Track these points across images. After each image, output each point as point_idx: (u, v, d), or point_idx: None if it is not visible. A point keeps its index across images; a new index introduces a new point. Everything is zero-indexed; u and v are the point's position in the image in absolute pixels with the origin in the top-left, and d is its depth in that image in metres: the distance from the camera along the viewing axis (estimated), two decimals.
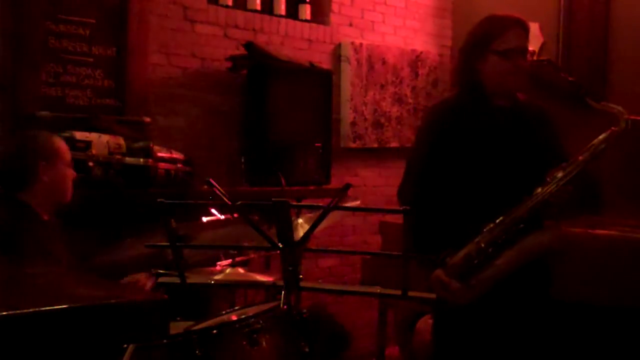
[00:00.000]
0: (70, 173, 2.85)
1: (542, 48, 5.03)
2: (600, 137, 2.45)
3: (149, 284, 2.81)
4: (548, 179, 2.44)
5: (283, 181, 3.15)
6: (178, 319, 2.50)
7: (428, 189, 2.56)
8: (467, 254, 2.45)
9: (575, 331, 3.29)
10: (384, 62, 5.15)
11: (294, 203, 2.98)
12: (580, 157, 2.44)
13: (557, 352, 2.59)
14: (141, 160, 3.48)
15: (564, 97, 2.68)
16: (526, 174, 2.49)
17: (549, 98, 2.72)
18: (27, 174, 2.73)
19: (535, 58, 4.80)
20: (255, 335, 2.14)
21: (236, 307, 2.88)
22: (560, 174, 2.43)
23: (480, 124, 2.55)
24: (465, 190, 2.53)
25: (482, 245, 2.44)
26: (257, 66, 4.24)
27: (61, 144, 2.85)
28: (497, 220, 2.44)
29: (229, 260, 3.22)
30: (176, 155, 3.72)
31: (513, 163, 2.52)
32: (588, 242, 3.39)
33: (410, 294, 2.43)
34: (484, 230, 2.45)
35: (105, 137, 3.43)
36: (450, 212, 2.52)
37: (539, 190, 2.44)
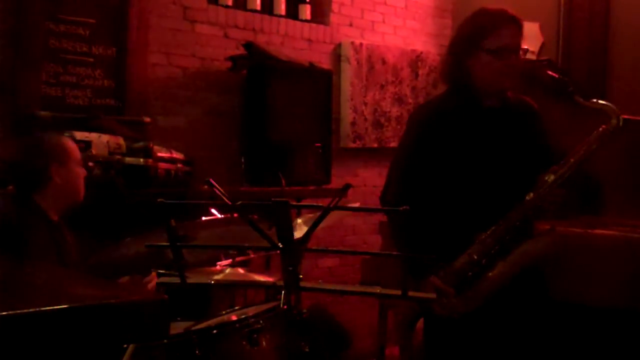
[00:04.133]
0: (82, 172, 2.87)
1: (542, 48, 5.03)
2: (591, 136, 2.38)
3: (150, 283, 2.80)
4: (539, 184, 2.38)
5: (283, 181, 3.16)
6: (178, 319, 2.50)
7: (413, 194, 2.47)
8: (461, 267, 2.39)
9: (575, 332, 3.29)
10: (384, 62, 5.15)
11: (294, 203, 2.98)
12: (572, 159, 2.38)
13: (556, 353, 2.57)
14: (141, 160, 3.48)
15: (559, 96, 2.63)
16: (516, 176, 2.43)
17: (543, 97, 2.67)
18: (39, 176, 2.74)
19: (535, 58, 4.81)
20: (255, 335, 2.15)
21: (236, 307, 2.88)
22: (551, 178, 2.37)
23: (469, 126, 2.46)
24: (453, 195, 2.45)
25: (475, 257, 2.38)
26: (257, 66, 4.25)
27: (70, 144, 2.87)
28: (489, 231, 2.38)
29: (229, 260, 3.22)
30: (176, 155, 3.72)
31: (503, 166, 2.45)
32: (588, 242, 3.39)
33: (410, 294, 2.42)
34: (476, 241, 2.39)
35: (105, 137, 3.43)
36: (438, 218, 2.45)
37: (531, 195, 2.37)
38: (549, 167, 2.40)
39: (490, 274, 2.39)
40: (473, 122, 2.48)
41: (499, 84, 2.45)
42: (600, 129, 2.38)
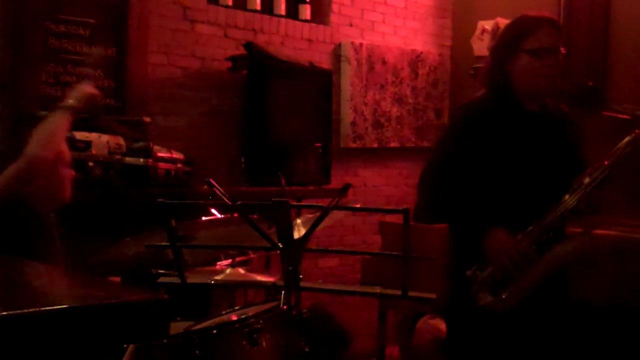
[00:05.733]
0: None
1: None
2: (626, 139, 2.42)
3: None
4: (575, 186, 2.42)
5: (283, 181, 3.15)
6: (178, 319, 2.50)
7: (451, 190, 2.51)
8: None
9: (575, 331, 3.29)
10: (384, 62, 5.15)
11: (294, 203, 2.98)
12: (606, 162, 2.42)
13: (556, 352, 2.57)
14: (141, 160, 3.48)
15: (571, 101, 2.65)
16: (553, 180, 2.46)
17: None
18: None
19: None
20: (255, 335, 2.14)
21: (236, 307, 2.88)
22: (587, 180, 2.41)
23: (508, 127, 2.50)
24: (490, 195, 2.49)
25: None
26: (257, 66, 4.25)
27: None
28: (527, 230, 2.42)
29: (229, 260, 3.22)
30: (176, 155, 3.72)
31: (541, 169, 2.49)
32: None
33: (410, 294, 2.42)
34: None
35: (105, 137, 3.43)
36: (474, 218, 2.48)
37: (567, 197, 2.42)
38: (584, 172, 2.44)
39: (528, 272, 2.41)
40: (512, 124, 2.51)
41: (539, 84, 2.49)
42: (634, 133, 2.41)
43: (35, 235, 2.69)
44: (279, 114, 4.29)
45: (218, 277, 3.02)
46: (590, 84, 2.53)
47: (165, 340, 1.93)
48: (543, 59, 2.45)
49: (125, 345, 1.59)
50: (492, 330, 2.49)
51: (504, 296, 2.42)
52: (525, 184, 2.48)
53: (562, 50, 2.51)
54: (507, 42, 2.52)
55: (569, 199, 2.42)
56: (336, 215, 2.59)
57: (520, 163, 2.49)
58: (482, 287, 2.44)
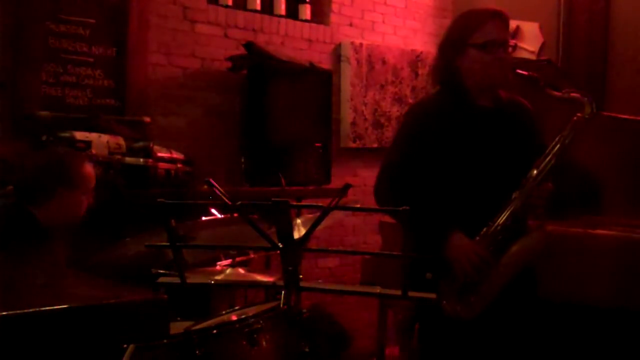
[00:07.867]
0: (87, 201, 2.84)
1: (542, 48, 5.03)
2: (567, 126, 2.39)
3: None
4: (524, 180, 2.38)
5: (283, 181, 3.15)
6: (178, 319, 2.50)
7: (406, 191, 2.45)
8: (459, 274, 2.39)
9: (575, 332, 3.29)
10: (384, 62, 5.15)
11: (294, 203, 2.98)
12: (552, 151, 2.38)
13: (555, 354, 2.57)
14: (141, 160, 3.48)
15: (534, 93, 2.61)
16: (511, 177, 2.41)
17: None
18: (43, 194, 2.74)
19: (535, 58, 4.81)
20: (255, 335, 2.15)
21: (236, 307, 2.88)
22: (534, 173, 2.37)
23: (462, 126, 2.44)
24: (448, 194, 2.44)
25: None
26: (257, 66, 4.25)
27: (88, 173, 2.83)
28: (482, 233, 2.38)
29: (229, 260, 3.22)
30: (176, 155, 3.72)
31: (497, 166, 2.43)
32: (588, 242, 3.39)
33: (410, 294, 2.42)
34: None
35: (105, 137, 3.43)
36: (430, 218, 2.42)
37: (516, 194, 2.37)
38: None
39: (490, 275, 2.38)
40: (466, 122, 2.46)
41: (489, 78, 2.43)
42: (575, 117, 2.38)
43: (32, 241, 2.68)
44: (279, 114, 4.29)
45: (218, 277, 3.02)
46: (526, 73, 2.47)
47: (165, 340, 1.93)
48: (491, 52, 2.40)
49: (125, 345, 1.59)
50: (460, 332, 2.45)
51: (472, 301, 2.38)
52: (483, 182, 2.42)
53: (511, 42, 2.46)
54: (454, 39, 2.47)
55: (518, 195, 2.37)
56: (336, 215, 2.58)
57: (475, 161, 2.42)
58: (447, 296, 2.40)
